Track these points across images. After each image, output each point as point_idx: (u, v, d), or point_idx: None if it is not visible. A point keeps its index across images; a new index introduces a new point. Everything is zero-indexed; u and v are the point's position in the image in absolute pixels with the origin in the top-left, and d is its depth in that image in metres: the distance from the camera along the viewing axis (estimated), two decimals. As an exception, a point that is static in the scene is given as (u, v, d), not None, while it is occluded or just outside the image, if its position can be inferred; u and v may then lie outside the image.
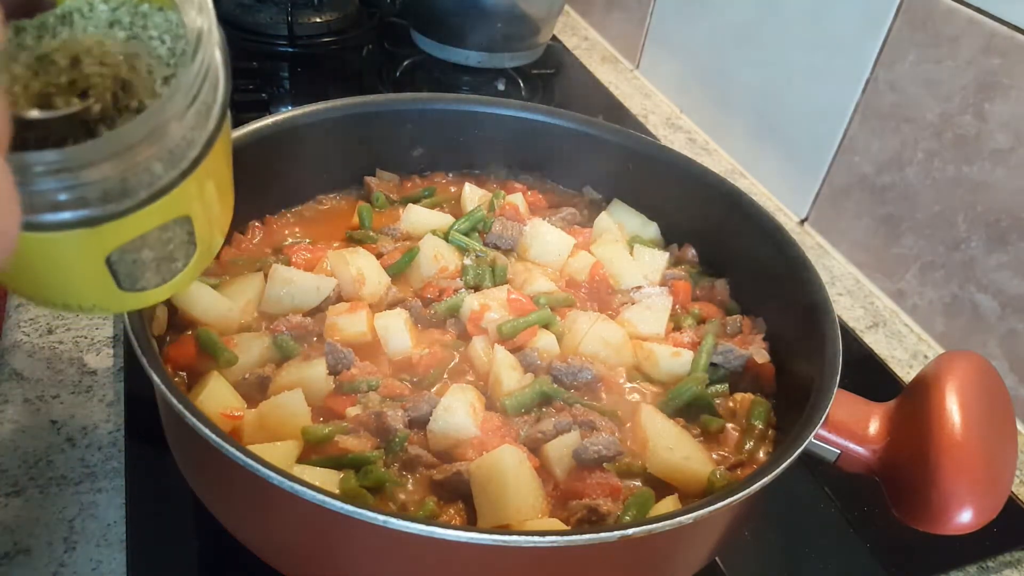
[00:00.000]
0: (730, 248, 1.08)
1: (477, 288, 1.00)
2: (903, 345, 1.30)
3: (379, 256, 1.02)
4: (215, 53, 0.52)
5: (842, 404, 0.79)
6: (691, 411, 0.90)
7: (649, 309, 1.01)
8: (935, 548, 0.94)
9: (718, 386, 0.93)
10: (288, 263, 0.98)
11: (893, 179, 1.34)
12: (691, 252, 1.13)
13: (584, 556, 0.67)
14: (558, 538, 0.61)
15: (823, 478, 1.00)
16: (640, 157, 1.15)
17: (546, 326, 0.95)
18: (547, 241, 1.08)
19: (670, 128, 1.81)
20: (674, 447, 0.83)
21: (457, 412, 0.81)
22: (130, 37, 0.52)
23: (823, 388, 0.78)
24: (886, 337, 1.31)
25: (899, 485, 0.76)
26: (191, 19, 0.52)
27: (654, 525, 0.63)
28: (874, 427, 0.79)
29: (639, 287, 1.06)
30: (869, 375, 1.22)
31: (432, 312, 0.96)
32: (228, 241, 1.02)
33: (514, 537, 0.60)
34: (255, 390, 0.85)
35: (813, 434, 0.73)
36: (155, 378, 0.67)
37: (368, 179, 1.18)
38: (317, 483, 0.62)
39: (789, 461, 0.70)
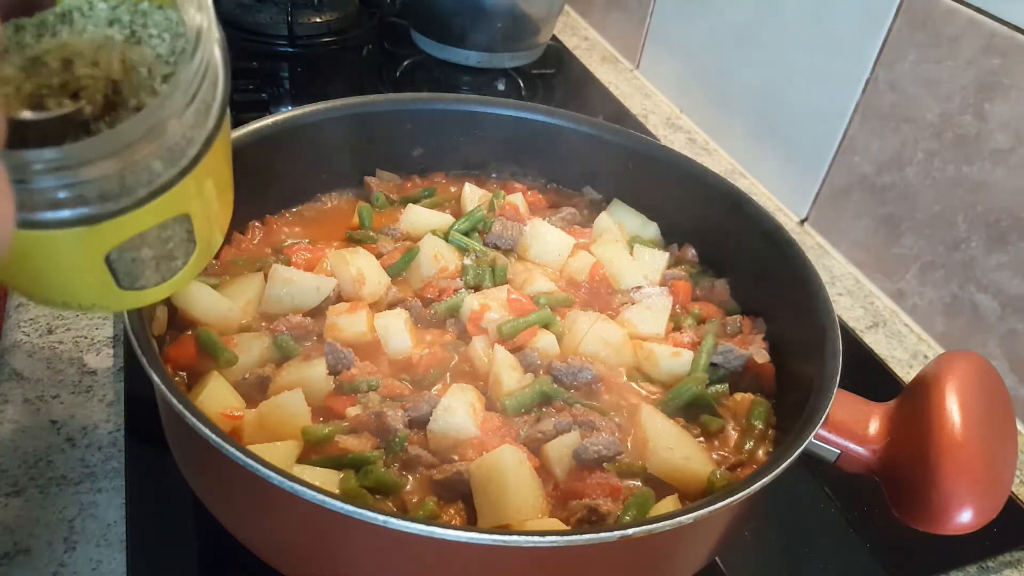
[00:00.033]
0: (730, 248, 1.08)
1: (477, 288, 1.00)
2: (903, 345, 1.30)
3: (379, 256, 1.02)
4: (215, 51, 0.52)
5: (842, 404, 0.79)
6: (691, 411, 0.90)
7: (649, 309, 1.00)
8: (935, 548, 0.94)
9: (718, 386, 0.93)
10: (288, 263, 0.98)
11: (893, 179, 1.34)
12: (691, 252, 1.13)
13: (584, 556, 0.67)
14: (558, 538, 0.61)
15: (823, 478, 1.00)
16: (640, 157, 1.15)
17: (546, 326, 0.95)
18: (547, 241, 1.08)
19: (670, 128, 1.81)
20: (674, 447, 0.83)
21: (457, 412, 0.81)
22: (130, 35, 0.52)
23: (823, 388, 0.78)
24: (886, 337, 1.31)
25: (899, 485, 0.76)
26: (191, 17, 0.52)
27: (654, 525, 0.63)
28: (874, 427, 0.79)
29: (639, 287, 1.06)
30: (869, 375, 1.22)
31: (432, 312, 0.96)
32: (228, 241, 1.02)
33: (514, 537, 0.60)
34: (255, 390, 0.85)
35: (813, 434, 0.73)
36: (155, 378, 0.67)
37: (368, 179, 1.18)
38: (317, 483, 0.62)
39: (789, 461, 0.70)
